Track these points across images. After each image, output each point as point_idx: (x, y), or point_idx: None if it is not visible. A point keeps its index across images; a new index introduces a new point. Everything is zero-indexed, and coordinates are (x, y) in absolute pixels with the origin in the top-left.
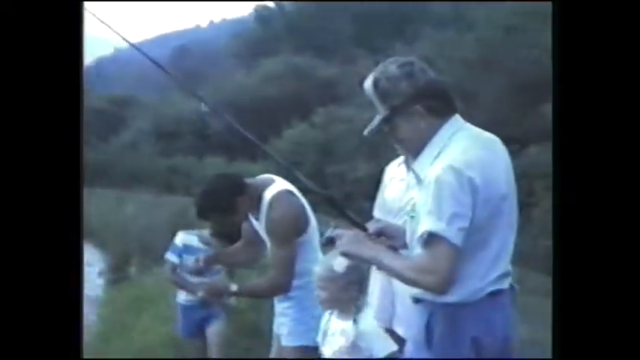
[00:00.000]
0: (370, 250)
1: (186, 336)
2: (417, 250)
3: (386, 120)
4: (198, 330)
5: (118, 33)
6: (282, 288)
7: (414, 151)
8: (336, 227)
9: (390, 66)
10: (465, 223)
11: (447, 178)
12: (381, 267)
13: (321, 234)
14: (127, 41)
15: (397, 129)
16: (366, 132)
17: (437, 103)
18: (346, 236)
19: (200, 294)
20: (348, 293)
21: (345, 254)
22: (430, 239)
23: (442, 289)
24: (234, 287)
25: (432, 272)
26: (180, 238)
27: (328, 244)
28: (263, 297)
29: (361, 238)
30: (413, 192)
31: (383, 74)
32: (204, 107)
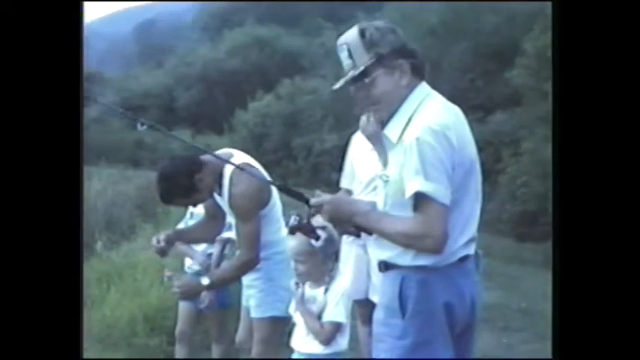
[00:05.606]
0: (357, 217)
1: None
2: (394, 213)
3: (368, 70)
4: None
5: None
6: (253, 262)
7: (387, 111)
8: (298, 215)
9: (375, 21)
10: (449, 182)
11: (427, 138)
12: (376, 233)
13: (286, 223)
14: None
15: (376, 82)
16: (337, 85)
17: (417, 63)
18: (327, 206)
19: (174, 290)
20: (325, 265)
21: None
22: (420, 200)
23: (440, 249)
24: (205, 281)
25: (428, 236)
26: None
27: (294, 232)
28: (237, 277)
29: (341, 205)
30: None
31: (370, 25)
32: (140, 126)
